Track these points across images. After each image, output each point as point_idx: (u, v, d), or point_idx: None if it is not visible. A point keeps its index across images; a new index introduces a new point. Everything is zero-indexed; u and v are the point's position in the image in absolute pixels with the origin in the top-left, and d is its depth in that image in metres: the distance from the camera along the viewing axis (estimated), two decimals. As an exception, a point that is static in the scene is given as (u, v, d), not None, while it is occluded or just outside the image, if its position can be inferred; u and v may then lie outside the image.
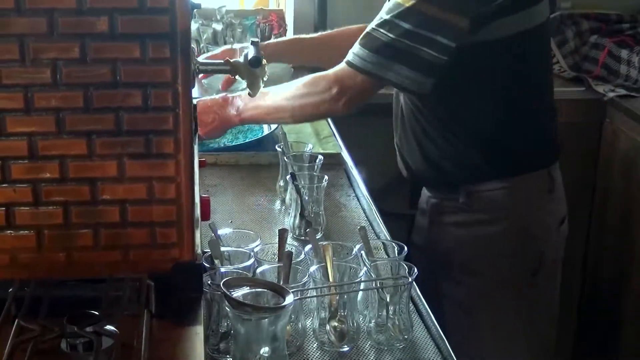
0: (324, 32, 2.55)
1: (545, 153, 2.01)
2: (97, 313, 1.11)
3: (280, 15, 3.29)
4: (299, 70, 2.54)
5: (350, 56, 1.87)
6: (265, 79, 1.69)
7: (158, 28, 1.15)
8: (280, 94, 2.02)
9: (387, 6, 1.83)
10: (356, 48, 1.85)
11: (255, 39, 1.62)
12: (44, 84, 1.15)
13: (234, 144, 2.34)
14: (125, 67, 1.15)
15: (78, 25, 1.14)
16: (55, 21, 1.13)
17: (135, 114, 1.17)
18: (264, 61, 1.66)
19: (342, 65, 1.89)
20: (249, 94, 1.72)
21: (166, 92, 1.17)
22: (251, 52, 1.63)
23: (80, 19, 1.13)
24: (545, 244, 2.00)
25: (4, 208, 1.19)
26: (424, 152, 2.00)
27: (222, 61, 1.65)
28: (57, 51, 1.14)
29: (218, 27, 3.09)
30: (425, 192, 2.13)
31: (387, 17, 1.80)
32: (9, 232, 1.20)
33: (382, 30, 1.81)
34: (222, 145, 2.33)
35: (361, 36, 1.86)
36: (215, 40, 3.08)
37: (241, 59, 1.65)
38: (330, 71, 1.92)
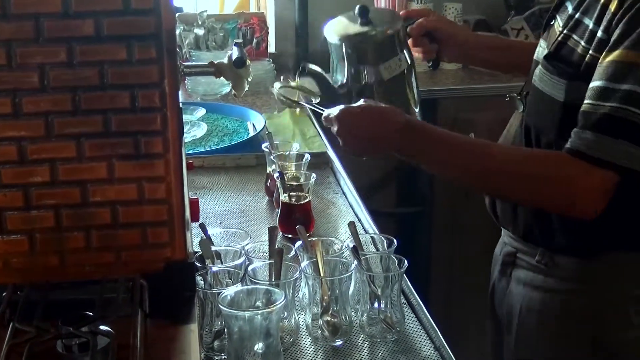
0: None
1: None
2: (91, 314, 1.11)
3: (261, 18, 3.31)
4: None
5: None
6: (249, 79, 1.70)
7: (143, 29, 1.15)
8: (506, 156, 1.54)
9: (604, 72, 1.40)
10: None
11: (239, 40, 1.62)
12: (31, 88, 1.15)
13: (220, 146, 2.35)
14: (112, 69, 1.16)
15: (64, 29, 1.14)
16: (41, 25, 1.13)
17: (124, 115, 1.18)
18: (248, 62, 1.66)
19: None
20: (234, 95, 1.73)
21: (153, 93, 1.18)
22: (235, 52, 1.64)
23: (66, 22, 1.14)
24: None
25: (-5, 213, 1.19)
26: None
27: (207, 63, 1.66)
28: (43, 55, 1.15)
29: (200, 32, 3.09)
30: None
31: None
32: (0, 237, 1.20)
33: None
34: (209, 148, 2.34)
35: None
36: (197, 45, 3.09)
37: (225, 60, 1.66)
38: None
